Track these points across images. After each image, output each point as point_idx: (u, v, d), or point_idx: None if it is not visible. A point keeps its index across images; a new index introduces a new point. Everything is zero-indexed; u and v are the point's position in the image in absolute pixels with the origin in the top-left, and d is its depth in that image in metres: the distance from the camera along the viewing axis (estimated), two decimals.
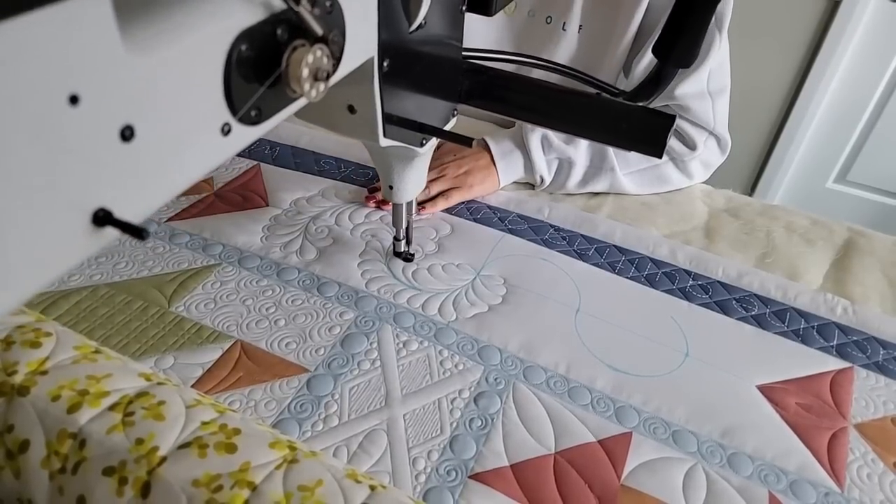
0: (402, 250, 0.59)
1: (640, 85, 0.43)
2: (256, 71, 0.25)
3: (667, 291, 0.59)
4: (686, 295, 0.58)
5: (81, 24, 0.17)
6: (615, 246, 0.64)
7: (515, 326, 0.53)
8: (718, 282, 0.60)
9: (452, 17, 0.41)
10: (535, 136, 0.68)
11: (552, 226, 0.66)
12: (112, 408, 0.32)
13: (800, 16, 1.42)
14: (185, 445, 0.31)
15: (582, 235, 0.65)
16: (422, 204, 0.66)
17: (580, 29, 0.68)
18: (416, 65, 0.39)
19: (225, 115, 0.24)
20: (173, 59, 0.21)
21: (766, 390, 0.50)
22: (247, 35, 0.23)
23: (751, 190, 1.71)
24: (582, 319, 0.55)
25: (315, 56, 0.26)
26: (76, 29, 0.17)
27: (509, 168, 0.69)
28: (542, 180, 0.70)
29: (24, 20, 0.15)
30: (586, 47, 0.69)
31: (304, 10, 0.25)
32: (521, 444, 0.44)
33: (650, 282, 0.60)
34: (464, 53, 0.45)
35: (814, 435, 0.46)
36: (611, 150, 0.69)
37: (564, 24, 0.68)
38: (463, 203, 0.68)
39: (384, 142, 0.40)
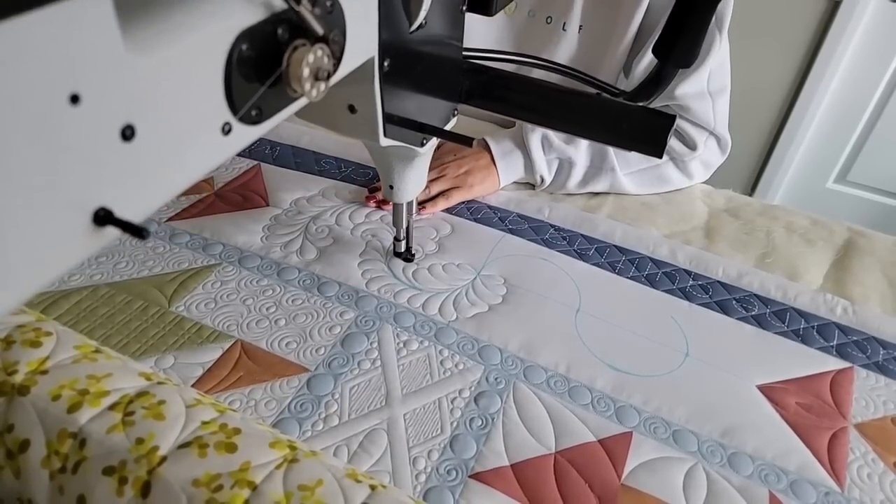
0: (403, 250, 0.59)
1: (640, 85, 0.43)
2: (257, 70, 0.25)
3: (667, 291, 0.59)
4: (686, 295, 0.58)
5: (82, 23, 0.17)
6: (615, 246, 0.64)
7: (516, 326, 0.53)
8: (718, 282, 0.60)
9: (453, 17, 0.41)
10: (536, 136, 0.68)
11: (552, 226, 0.66)
12: (112, 407, 0.33)
13: (800, 16, 1.42)
14: (185, 445, 0.31)
15: (582, 235, 0.65)
16: (422, 204, 0.66)
17: (580, 29, 0.68)
18: (417, 65, 0.39)
19: (225, 115, 0.24)
20: (174, 58, 0.21)
21: (766, 390, 0.50)
22: (247, 35, 0.23)
23: (751, 190, 1.71)
24: (582, 319, 0.55)
25: (316, 56, 0.26)
26: (77, 28, 0.17)
27: (509, 168, 0.69)
28: (543, 180, 0.70)
29: (25, 20, 0.15)
30: (586, 47, 0.69)
31: (305, 10, 0.25)
32: (522, 443, 0.44)
33: (650, 282, 0.60)
34: (464, 53, 0.45)
35: (814, 435, 0.46)
36: (611, 150, 0.69)
37: (564, 24, 0.68)
38: (463, 203, 0.68)
39: (384, 142, 0.40)
